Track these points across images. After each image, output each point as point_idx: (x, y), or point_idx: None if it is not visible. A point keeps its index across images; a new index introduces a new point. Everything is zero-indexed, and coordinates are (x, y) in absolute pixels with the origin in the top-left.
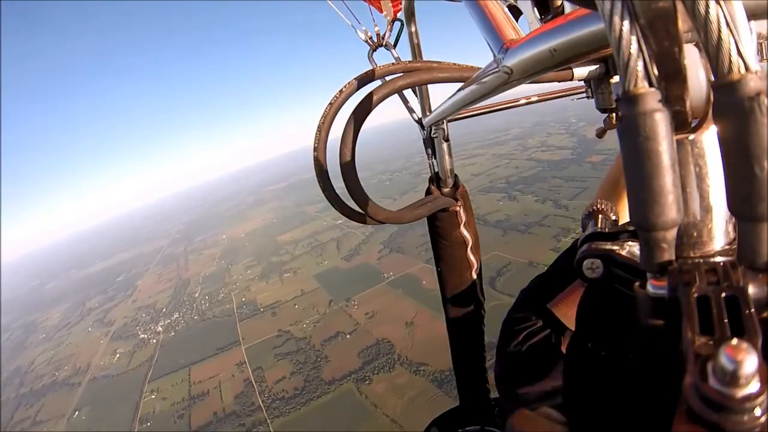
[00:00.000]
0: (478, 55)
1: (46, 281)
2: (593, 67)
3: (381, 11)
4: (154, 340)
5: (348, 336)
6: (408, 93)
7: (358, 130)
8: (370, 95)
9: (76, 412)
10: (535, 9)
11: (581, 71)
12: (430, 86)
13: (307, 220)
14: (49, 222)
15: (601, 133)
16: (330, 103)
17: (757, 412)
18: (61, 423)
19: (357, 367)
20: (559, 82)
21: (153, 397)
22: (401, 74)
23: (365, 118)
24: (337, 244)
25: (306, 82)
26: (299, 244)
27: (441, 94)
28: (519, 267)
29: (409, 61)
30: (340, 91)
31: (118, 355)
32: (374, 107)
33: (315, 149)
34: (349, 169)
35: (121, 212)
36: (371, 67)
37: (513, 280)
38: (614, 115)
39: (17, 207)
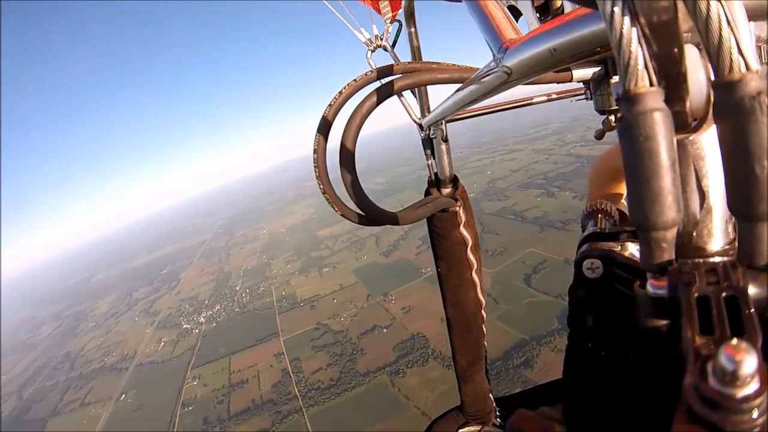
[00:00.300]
0: (478, 55)
1: (95, 273)
2: (592, 69)
3: (379, 13)
4: (197, 330)
5: (384, 330)
6: (407, 93)
7: (358, 132)
8: (369, 97)
9: (123, 395)
10: (535, 9)
11: (580, 73)
12: (428, 87)
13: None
14: (98, 217)
15: (599, 135)
16: (329, 105)
17: (757, 412)
18: (109, 405)
19: (391, 361)
20: (558, 83)
21: (195, 383)
22: (401, 75)
23: (365, 120)
24: (376, 240)
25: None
26: (339, 240)
27: (440, 95)
28: (555, 265)
29: (409, 62)
30: (339, 92)
31: (162, 343)
32: (374, 109)
33: (315, 151)
34: (349, 171)
35: (166, 207)
36: (370, 69)
37: (548, 277)
38: (613, 116)
39: (65, 203)
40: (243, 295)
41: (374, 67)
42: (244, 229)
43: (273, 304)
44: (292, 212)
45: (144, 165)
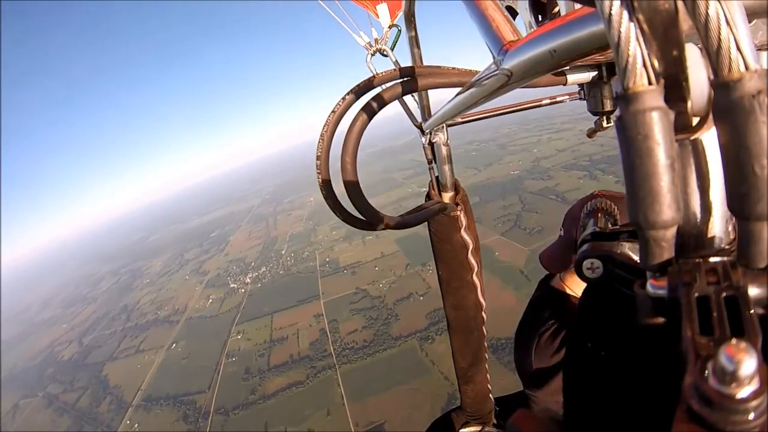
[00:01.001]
0: (477, 54)
1: (149, 234)
2: (586, 73)
3: (377, 17)
4: (243, 290)
5: (420, 298)
6: (407, 97)
7: (360, 138)
8: (370, 103)
9: (174, 345)
10: (532, 10)
11: (575, 76)
12: (429, 91)
13: (394, 186)
14: (153, 184)
15: (591, 134)
16: (333, 111)
17: (757, 411)
18: (161, 353)
19: (423, 327)
20: (554, 86)
21: (239, 337)
22: (401, 80)
23: (366, 126)
24: None
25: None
26: (384, 209)
27: (441, 99)
28: None
29: (409, 67)
30: (343, 98)
31: (210, 300)
32: (375, 114)
33: (318, 157)
34: (350, 176)
35: (217, 173)
36: (371, 72)
37: None
38: (605, 117)
39: (125, 170)
40: (288, 258)
41: (374, 71)
42: (291, 196)
43: (316, 268)
44: (340, 181)
45: (198, 136)
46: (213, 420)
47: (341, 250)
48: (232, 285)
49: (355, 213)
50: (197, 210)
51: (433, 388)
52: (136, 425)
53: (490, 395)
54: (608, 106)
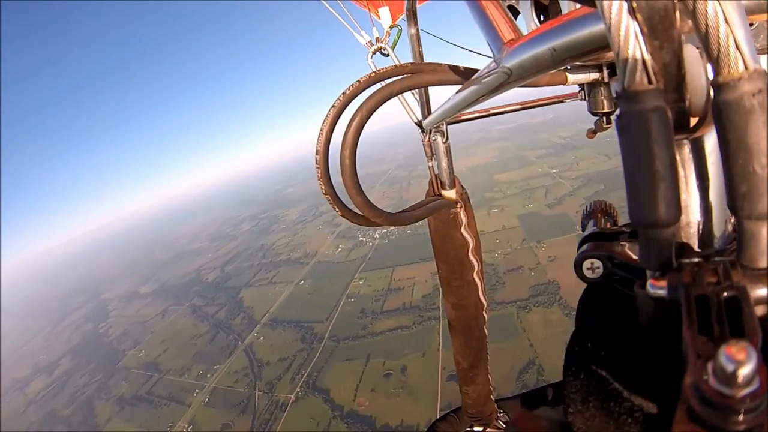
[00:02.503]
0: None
1: (287, 186)
2: (587, 73)
3: (378, 18)
4: (371, 243)
5: (529, 272)
6: (408, 94)
7: (359, 133)
8: (371, 98)
9: (302, 281)
10: (534, 9)
11: (575, 76)
12: (430, 88)
13: (525, 164)
14: (295, 140)
15: (591, 135)
16: (333, 106)
17: (757, 411)
18: (290, 287)
19: (524, 297)
20: (554, 85)
21: (360, 283)
22: (402, 77)
23: (366, 121)
24: (546, 191)
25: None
26: (512, 186)
27: (441, 97)
28: None
29: (411, 63)
30: (343, 93)
31: (339, 249)
32: (375, 109)
33: (317, 152)
34: (349, 171)
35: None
36: (372, 70)
37: None
38: (604, 118)
39: (272, 123)
40: None
41: (376, 69)
42: (426, 163)
43: None
44: (476, 154)
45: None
46: (325, 345)
47: None
48: (360, 238)
49: (354, 208)
50: (335, 169)
51: (517, 351)
52: (261, 338)
53: (492, 396)
54: (608, 107)
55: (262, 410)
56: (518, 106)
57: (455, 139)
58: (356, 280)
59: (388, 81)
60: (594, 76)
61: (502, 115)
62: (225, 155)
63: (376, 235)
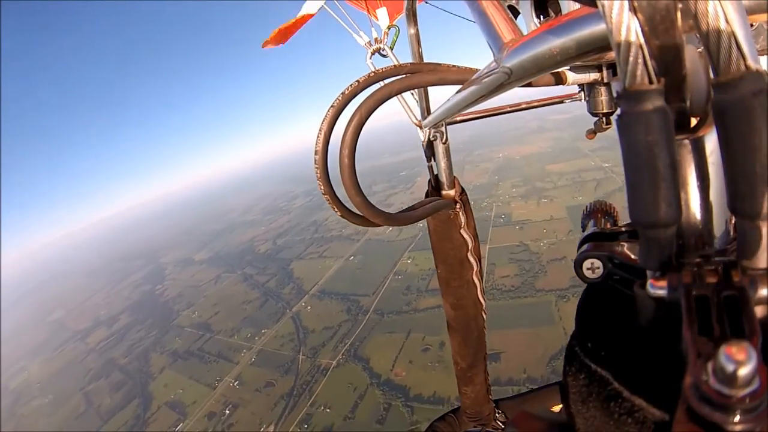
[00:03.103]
0: (477, 53)
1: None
2: (587, 73)
3: (376, 19)
4: (421, 224)
5: (571, 262)
6: (407, 95)
7: (358, 133)
8: (370, 98)
9: (352, 257)
10: (534, 9)
11: (575, 76)
12: (429, 88)
13: (578, 155)
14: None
15: (590, 135)
16: (332, 106)
17: (757, 411)
18: (339, 261)
19: (564, 287)
20: (554, 85)
21: (408, 261)
22: (402, 76)
23: (365, 121)
24: (596, 185)
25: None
26: (564, 177)
27: (441, 97)
28: None
29: (410, 63)
30: (342, 93)
31: (390, 228)
32: (374, 109)
33: (316, 152)
34: (348, 171)
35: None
36: (372, 70)
37: None
38: (604, 118)
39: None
40: None
41: (375, 69)
42: (481, 149)
43: (490, 218)
44: (530, 142)
45: None
46: (369, 317)
47: (516, 206)
48: None
49: (353, 209)
50: (390, 149)
51: (551, 337)
52: (309, 307)
53: (490, 397)
54: (608, 107)
55: (305, 373)
56: (517, 107)
57: (509, 126)
58: (405, 258)
59: (387, 81)
60: (594, 76)
61: (559, 105)
62: (281, 132)
63: None
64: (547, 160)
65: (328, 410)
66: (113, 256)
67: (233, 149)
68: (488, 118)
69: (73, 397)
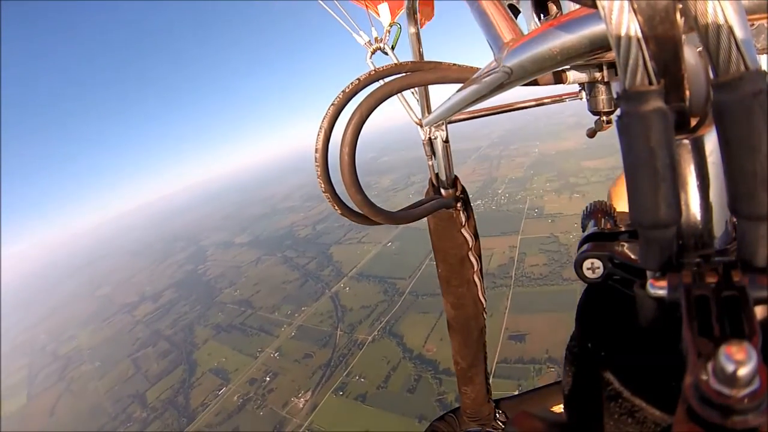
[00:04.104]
0: (475, 53)
1: (381, 155)
2: (587, 72)
3: (378, 15)
4: None
5: None
6: (407, 93)
7: (359, 131)
8: (370, 96)
9: (389, 243)
10: (534, 8)
11: (575, 76)
12: (430, 87)
13: (614, 152)
14: (391, 110)
15: (591, 134)
16: (332, 104)
17: (758, 411)
18: (378, 247)
19: None
20: (554, 84)
21: None
22: (402, 75)
23: (366, 119)
24: None
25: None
26: (598, 173)
27: (441, 95)
28: None
29: (411, 62)
30: (343, 91)
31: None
32: (375, 107)
33: (316, 150)
34: (348, 169)
35: None
36: (372, 69)
37: None
38: (605, 117)
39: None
40: (502, 197)
41: (375, 68)
42: (518, 143)
43: (523, 210)
44: (567, 138)
45: None
46: (405, 298)
47: (549, 200)
48: None
49: (353, 207)
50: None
51: (573, 323)
52: (347, 288)
53: (490, 396)
54: (608, 106)
55: (342, 346)
56: (517, 106)
57: (547, 121)
58: None
59: (388, 79)
60: (594, 75)
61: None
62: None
63: None
64: (582, 156)
65: (362, 380)
66: (156, 237)
67: (278, 137)
68: (525, 110)
69: (121, 363)
